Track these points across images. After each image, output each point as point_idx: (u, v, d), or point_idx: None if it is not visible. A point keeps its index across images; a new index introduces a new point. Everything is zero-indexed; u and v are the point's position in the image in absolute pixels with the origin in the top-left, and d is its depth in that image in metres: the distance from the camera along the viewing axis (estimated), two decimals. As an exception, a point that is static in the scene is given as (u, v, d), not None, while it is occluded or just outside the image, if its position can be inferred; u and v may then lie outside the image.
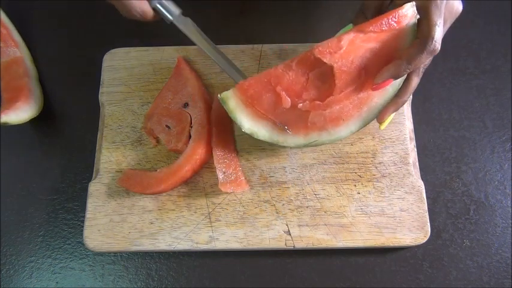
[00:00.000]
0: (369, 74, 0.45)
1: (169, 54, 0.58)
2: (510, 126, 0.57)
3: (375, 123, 0.54)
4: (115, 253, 0.52)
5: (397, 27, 0.42)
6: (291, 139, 0.47)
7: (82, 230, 0.51)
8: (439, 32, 0.40)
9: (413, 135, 0.55)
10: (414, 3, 0.41)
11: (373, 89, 0.45)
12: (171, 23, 0.52)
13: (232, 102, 0.46)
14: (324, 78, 0.46)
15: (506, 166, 0.55)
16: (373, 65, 0.44)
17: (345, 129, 0.47)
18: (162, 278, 0.52)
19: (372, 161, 0.53)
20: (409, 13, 0.41)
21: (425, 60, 0.42)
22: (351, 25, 0.46)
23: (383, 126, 0.49)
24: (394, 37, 0.43)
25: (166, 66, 0.58)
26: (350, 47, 0.44)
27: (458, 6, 0.43)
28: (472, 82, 0.60)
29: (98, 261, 0.52)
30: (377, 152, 0.53)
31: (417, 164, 0.54)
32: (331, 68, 0.44)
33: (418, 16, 0.41)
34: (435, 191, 0.54)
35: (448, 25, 0.44)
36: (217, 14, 0.64)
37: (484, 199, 0.54)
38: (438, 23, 0.40)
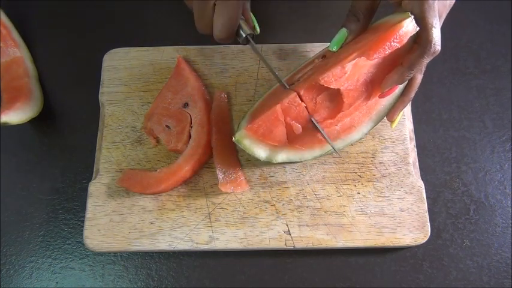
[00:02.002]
0: (374, 84, 0.46)
1: (169, 54, 0.58)
2: (510, 126, 0.57)
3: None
4: (115, 253, 0.52)
5: (399, 46, 0.42)
6: (307, 154, 0.50)
7: (82, 230, 0.51)
8: (436, 34, 0.40)
9: (413, 135, 0.55)
10: (412, 17, 0.40)
11: (380, 97, 0.47)
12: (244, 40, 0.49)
13: (247, 141, 0.48)
14: (331, 98, 0.47)
15: (506, 166, 0.55)
16: (378, 76, 0.46)
17: (357, 133, 0.49)
18: (162, 278, 0.52)
19: (372, 161, 0.53)
20: (409, 29, 0.41)
21: (427, 62, 0.42)
22: (344, 30, 0.45)
23: (394, 125, 0.50)
24: (396, 49, 0.43)
25: (166, 66, 0.58)
26: (354, 69, 0.45)
27: (451, 1, 0.43)
28: (472, 82, 0.60)
29: (98, 261, 0.52)
30: (377, 152, 0.53)
31: (417, 164, 0.54)
32: (338, 89, 0.46)
33: (418, 29, 0.41)
34: (435, 191, 0.54)
35: (443, 18, 0.43)
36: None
37: (484, 199, 0.54)
38: (434, 24, 0.40)
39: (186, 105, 0.54)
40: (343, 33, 0.46)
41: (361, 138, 0.50)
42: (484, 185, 0.55)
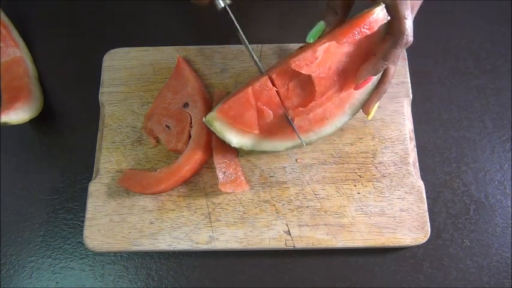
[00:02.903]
0: (347, 75, 0.47)
1: (169, 54, 0.58)
2: (510, 126, 0.57)
3: (375, 122, 0.54)
4: (115, 253, 0.52)
5: (369, 33, 0.43)
6: (279, 144, 0.49)
7: (82, 230, 0.51)
8: (409, 25, 0.41)
9: (413, 135, 0.55)
10: (383, 5, 0.41)
11: (355, 89, 0.47)
12: (222, 9, 0.49)
13: (217, 123, 0.48)
14: (303, 85, 0.47)
15: (506, 166, 0.55)
16: (350, 66, 0.46)
17: (330, 127, 0.49)
18: (162, 278, 0.52)
19: (372, 161, 0.53)
20: (380, 16, 0.42)
21: (400, 53, 0.42)
22: (322, 23, 0.46)
23: (370, 117, 0.50)
24: (367, 37, 0.44)
25: (166, 66, 0.58)
26: (325, 55, 0.45)
27: None
28: (472, 82, 0.60)
29: (98, 261, 0.52)
30: (377, 152, 0.53)
31: (417, 164, 0.54)
32: (310, 76, 0.46)
33: (388, 18, 0.41)
34: (435, 191, 0.54)
35: (415, 11, 0.44)
36: (217, 14, 0.64)
37: (484, 199, 0.54)
38: (406, 15, 0.40)
39: (186, 105, 0.54)
40: (320, 25, 0.46)
41: (333, 132, 0.50)
42: (484, 185, 0.55)
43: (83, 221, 0.52)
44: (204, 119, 0.48)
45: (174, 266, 0.52)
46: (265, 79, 0.47)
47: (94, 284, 0.51)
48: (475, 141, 0.57)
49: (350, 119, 0.49)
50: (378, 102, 0.49)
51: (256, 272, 0.51)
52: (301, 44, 0.58)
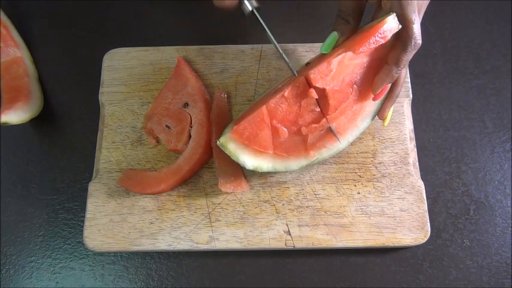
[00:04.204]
0: (360, 86, 0.46)
1: (169, 54, 0.58)
2: (510, 126, 0.57)
3: (375, 123, 0.54)
4: (115, 253, 0.52)
5: (383, 42, 0.43)
6: (293, 164, 0.49)
7: (82, 230, 0.51)
8: (417, 29, 0.41)
9: (413, 135, 0.55)
10: (395, 14, 0.41)
11: (374, 100, 0.47)
12: (250, 13, 0.48)
13: (232, 145, 0.47)
14: (316, 101, 0.47)
15: (506, 166, 0.55)
16: (363, 77, 0.46)
17: (343, 142, 0.49)
18: (162, 278, 0.52)
19: (372, 161, 0.53)
20: (392, 25, 0.41)
21: (410, 57, 0.42)
22: (334, 33, 0.45)
23: (386, 122, 0.50)
24: (378, 47, 0.44)
25: (166, 66, 0.58)
26: (339, 67, 0.45)
27: None
28: (472, 82, 0.60)
29: (98, 261, 0.52)
30: (377, 152, 0.53)
31: (417, 164, 0.54)
32: (324, 89, 0.46)
33: (400, 26, 0.41)
34: (435, 191, 0.54)
35: (422, 12, 0.44)
36: (217, 14, 0.64)
37: (484, 199, 0.54)
38: (414, 19, 0.40)
39: (186, 105, 0.54)
40: (334, 36, 0.45)
41: (345, 147, 0.49)
42: (484, 185, 0.55)
43: (83, 221, 0.52)
44: (218, 141, 0.46)
45: (174, 266, 0.52)
46: (280, 96, 0.46)
47: (94, 284, 0.51)
48: (475, 141, 0.57)
49: (361, 133, 0.49)
50: (393, 107, 0.48)
51: (256, 272, 0.51)
52: (301, 44, 0.58)
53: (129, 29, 0.63)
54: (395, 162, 0.53)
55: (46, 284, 0.52)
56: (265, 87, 0.56)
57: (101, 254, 0.53)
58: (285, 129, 0.47)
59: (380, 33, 0.42)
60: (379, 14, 0.46)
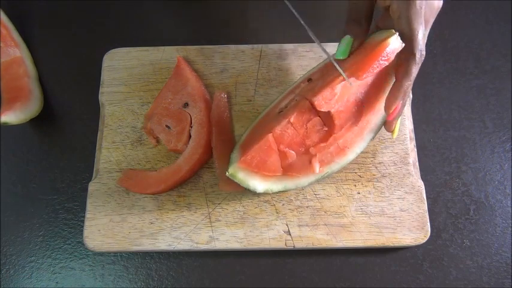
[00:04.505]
0: (364, 103, 0.47)
1: (169, 54, 0.58)
2: (510, 126, 0.57)
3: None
4: (115, 253, 0.52)
5: (387, 64, 0.42)
6: (303, 180, 0.49)
7: (82, 230, 0.51)
8: (422, 42, 0.40)
9: (413, 135, 0.55)
10: (397, 34, 0.41)
11: (388, 119, 0.45)
12: None
13: (241, 174, 0.47)
14: (322, 121, 0.48)
15: (506, 166, 0.55)
16: (368, 95, 0.47)
17: (351, 154, 0.49)
18: (162, 278, 0.52)
19: (371, 161, 0.53)
20: (396, 46, 0.41)
21: (418, 69, 0.42)
22: (348, 37, 0.45)
23: (395, 135, 0.49)
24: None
25: (166, 66, 0.58)
26: (343, 89, 0.45)
27: (439, 3, 0.42)
28: (472, 82, 0.60)
29: (98, 261, 0.52)
30: (377, 152, 0.53)
31: (417, 164, 0.54)
32: (329, 112, 0.46)
33: (403, 45, 0.41)
34: (435, 191, 0.54)
35: (430, 24, 0.43)
36: (217, 14, 0.64)
37: (484, 199, 0.54)
38: (420, 32, 0.40)
39: (186, 105, 0.54)
40: (348, 40, 0.44)
41: (355, 158, 0.49)
42: (484, 185, 0.55)
43: (83, 221, 0.52)
44: (227, 172, 0.46)
45: (174, 266, 0.52)
46: (285, 122, 0.47)
47: (94, 284, 0.51)
48: (475, 141, 0.57)
49: (368, 144, 0.49)
50: (400, 119, 0.48)
51: (256, 272, 0.51)
52: (301, 44, 0.58)
53: (129, 29, 0.63)
54: (395, 162, 0.53)
55: (46, 284, 0.52)
56: (265, 87, 0.56)
57: (101, 254, 0.52)
58: (293, 152, 0.48)
59: (384, 56, 0.42)
60: (385, 20, 0.45)
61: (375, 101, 0.47)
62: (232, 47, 0.58)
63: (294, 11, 0.44)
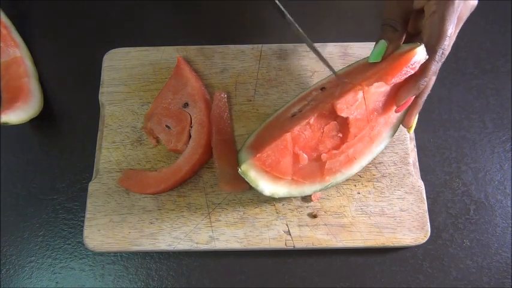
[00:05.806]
0: (380, 113, 0.47)
1: (169, 54, 0.58)
2: (510, 126, 0.57)
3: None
4: (115, 253, 0.52)
5: (412, 73, 0.42)
6: (308, 189, 0.49)
7: (82, 230, 0.51)
8: (447, 42, 0.40)
9: (413, 135, 0.55)
10: (423, 45, 0.40)
11: (397, 111, 0.46)
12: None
13: (253, 172, 0.46)
14: (338, 127, 0.48)
15: (506, 166, 0.55)
16: (384, 104, 0.47)
17: (356, 167, 0.49)
18: (162, 278, 0.52)
19: (372, 161, 0.53)
20: (421, 57, 0.41)
21: (438, 67, 0.42)
22: (383, 41, 0.44)
23: (411, 130, 0.49)
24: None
25: (166, 66, 0.58)
26: (366, 95, 0.45)
27: (474, 2, 0.42)
28: (472, 82, 0.60)
29: (98, 261, 0.52)
30: (377, 152, 0.53)
31: (417, 164, 0.54)
32: (347, 118, 0.46)
33: (427, 57, 0.41)
34: (435, 191, 0.54)
35: (462, 22, 0.42)
36: (217, 14, 0.64)
37: (484, 199, 0.54)
38: (449, 31, 0.39)
39: (186, 105, 0.54)
40: (382, 44, 0.44)
41: (358, 171, 0.50)
42: (484, 185, 0.55)
43: (83, 221, 0.52)
44: (239, 169, 0.46)
45: (174, 266, 0.52)
46: (304, 123, 0.46)
47: (94, 284, 0.51)
48: (475, 141, 0.57)
49: (374, 158, 0.50)
50: (417, 116, 0.48)
51: (256, 272, 0.51)
52: (301, 44, 0.58)
53: (129, 29, 0.63)
54: (395, 162, 0.53)
55: (46, 284, 0.52)
56: (265, 87, 0.56)
57: (101, 254, 0.52)
58: (306, 155, 0.48)
59: (411, 65, 0.41)
60: (415, 22, 0.45)
61: (389, 114, 0.47)
62: (232, 47, 0.58)
63: (285, 11, 0.45)
